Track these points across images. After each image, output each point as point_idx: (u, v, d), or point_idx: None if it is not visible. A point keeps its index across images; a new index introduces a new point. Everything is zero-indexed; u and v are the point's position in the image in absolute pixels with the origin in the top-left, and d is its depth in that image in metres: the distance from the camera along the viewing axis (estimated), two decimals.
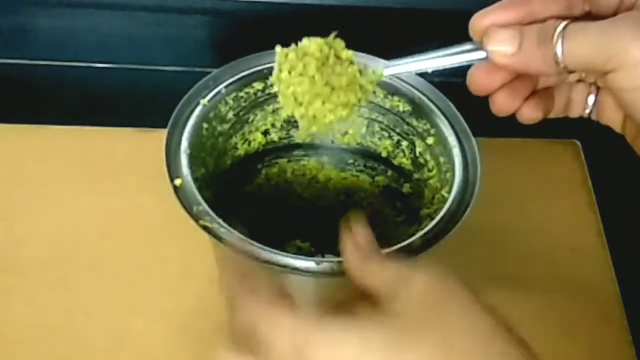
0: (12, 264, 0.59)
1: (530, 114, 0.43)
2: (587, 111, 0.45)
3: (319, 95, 0.42)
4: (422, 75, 0.48)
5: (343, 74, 0.42)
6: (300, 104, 0.42)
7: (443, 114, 0.48)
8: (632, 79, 0.37)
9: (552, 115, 0.45)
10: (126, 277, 0.59)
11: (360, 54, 0.44)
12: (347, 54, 0.43)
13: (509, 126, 0.45)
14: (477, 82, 0.42)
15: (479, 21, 0.40)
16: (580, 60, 0.38)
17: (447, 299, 0.33)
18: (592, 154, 0.69)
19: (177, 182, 0.43)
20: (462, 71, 0.42)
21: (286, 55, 0.42)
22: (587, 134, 0.69)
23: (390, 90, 0.50)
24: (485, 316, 0.33)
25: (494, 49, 0.39)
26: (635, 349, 0.58)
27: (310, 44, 0.42)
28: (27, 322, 0.56)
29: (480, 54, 0.40)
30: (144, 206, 0.62)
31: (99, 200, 0.63)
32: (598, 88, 0.44)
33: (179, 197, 0.42)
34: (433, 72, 0.42)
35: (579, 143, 0.70)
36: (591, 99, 0.44)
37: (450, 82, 0.48)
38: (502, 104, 0.42)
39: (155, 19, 0.70)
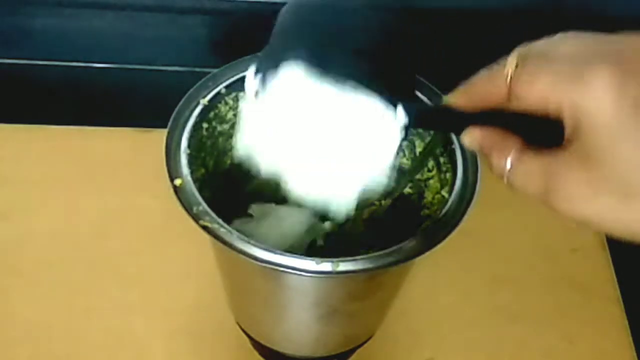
0: (12, 264, 0.59)
1: None
2: None
3: None
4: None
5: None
6: None
7: None
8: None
9: None
10: (126, 277, 0.59)
11: None
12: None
13: None
14: None
15: None
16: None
17: None
18: None
19: (177, 182, 0.43)
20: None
21: None
22: None
23: None
24: None
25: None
26: (635, 349, 0.58)
27: None
28: (27, 322, 0.56)
29: None
30: (144, 206, 0.62)
31: (99, 200, 0.63)
32: None
33: (179, 197, 0.42)
34: None
35: None
36: None
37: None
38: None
39: (155, 19, 0.70)
